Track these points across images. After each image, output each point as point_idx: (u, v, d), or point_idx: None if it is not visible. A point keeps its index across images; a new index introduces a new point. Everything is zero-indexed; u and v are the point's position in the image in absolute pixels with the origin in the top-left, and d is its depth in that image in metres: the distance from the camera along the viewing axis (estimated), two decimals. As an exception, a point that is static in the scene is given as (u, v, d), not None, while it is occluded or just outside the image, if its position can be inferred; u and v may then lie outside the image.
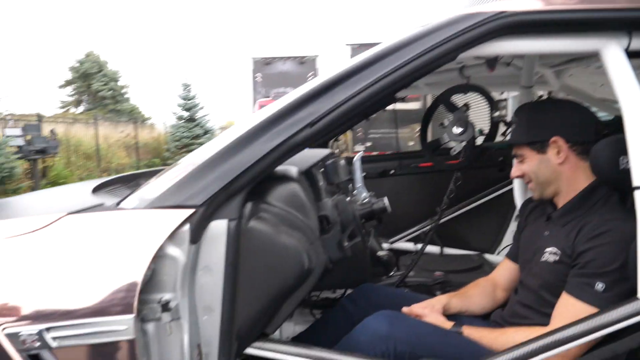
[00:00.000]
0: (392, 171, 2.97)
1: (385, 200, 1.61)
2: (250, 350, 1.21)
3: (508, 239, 2.95)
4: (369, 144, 12.01)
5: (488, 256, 2.82)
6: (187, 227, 1.12)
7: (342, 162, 2.14)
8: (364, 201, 1.65)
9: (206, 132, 16.30)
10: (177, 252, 1.12)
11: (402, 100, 2.72)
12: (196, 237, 1.13)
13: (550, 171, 1.44)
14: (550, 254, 1.40)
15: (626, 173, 1.19)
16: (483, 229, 2.97)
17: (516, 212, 2.98)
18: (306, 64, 14.61)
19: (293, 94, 1.26)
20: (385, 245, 2.85)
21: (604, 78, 2.56)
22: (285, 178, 1.33)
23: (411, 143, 11.36)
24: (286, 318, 1.28)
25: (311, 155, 1.58)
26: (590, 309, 1.24)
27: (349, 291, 2.06)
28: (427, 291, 2.13)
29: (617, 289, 1.24)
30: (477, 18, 1.15)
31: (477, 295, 1.65)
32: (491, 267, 2.54)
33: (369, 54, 1.23)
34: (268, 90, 14.01)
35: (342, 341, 1.41)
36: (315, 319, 1.90)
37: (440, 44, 1.17)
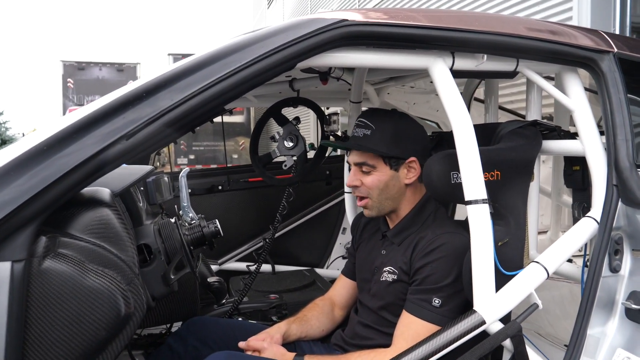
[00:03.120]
0: (220, 187, 2.80)
1: (217, 222, 1.43)
2: None
3: (336, 252, 3.00)
4: (192, 156, 11.61)
5: (319, 270, 2.81)
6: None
7: (166, 179, 1.91)
8: (193, 224, 1.45)
9: (4, 141, 14.08)
10: None
11: (230, 112, 2.59)
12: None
13: (396, 189, 1.41)
14: (389, 273, 1.38)
15: (457, 187, 1.22)
16: (312, 244, 2.97)
17: (342, 226, 3.06)
18: (125, 71, 13.59)
19: (106, 98, 1.02)
20: (214, 268, 2.65)
21: (416, 97, 2.79)
22: (93, 203, 1.07)
23: (235, 156, 11.25)
24: (98, 379, 1.02)
25: (128, 172, 1.34)
26: (429, 326, 1.24)
27: (175, 325, 1.82)
28: (263, 317, 2.00)
29: (451, 303, 1.26)
30: (318, 24, 1.07)
31: (315, 317, 1.57)
32: (323, 281, 2.52)
33: (199, 57, 1.05)
34: (81, 97, 12.74)
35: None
36: (136, 365, 1.63)
37: (279, 50, 1.06)
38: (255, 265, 2.14)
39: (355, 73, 1.85)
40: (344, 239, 2.97)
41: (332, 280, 2.89)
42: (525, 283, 1.19)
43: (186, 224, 1.55)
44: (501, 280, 1.19)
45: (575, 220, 1.49)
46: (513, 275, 1.21)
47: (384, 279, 1.39)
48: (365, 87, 2.23)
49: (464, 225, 1.39)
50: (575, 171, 1.48)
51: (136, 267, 1.06)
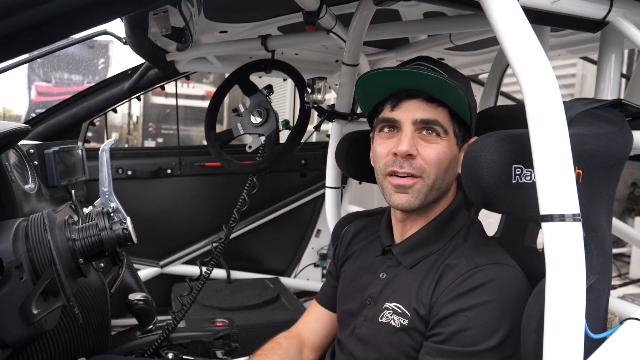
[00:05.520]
0: (170, 170, 2.27)
1: (128, 222, 0.93)
2: None
3: (307, 258, 2.52)
4: (160, 140, 11.03)
5: (284, 280, 2.33)
6: None
7: (79, 151, 1.39)
8: (86, 225, 0.92)
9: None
10: None
11: (187, 78, 2.10)
12: None
13: (450, 177, 0.93)
14: (395, 313, 0.90)
15: (520, 190, 0.75)
16: (279, 247, 2.49)
17: (317, 227, 2.56)
18: (96, 48, 12.76)
19: None
20: (154, 271, 2.13)
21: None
22: None
23: (204, 143, 10.71)
24: None
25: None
26: None
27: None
28: (205, 351, 1.48)
29: None
30: None
31: (277, 365, 1.08)
32: (289, 297, 2.04)
33: None
34: (48, 73, 11.95)
35: None
36: None
37: None
38: (205, 270, 1.63)
39: (351, 27, 1.34)
40: (317, 243, 2.50)
41: (301, 294, 2.42)
42: (626, 355, 0.72)
43: (94, 221, 1.04)
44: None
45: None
46: (602, 339, 0.74)
47: (385, 319, 0.90)
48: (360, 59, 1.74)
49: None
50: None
51: None
